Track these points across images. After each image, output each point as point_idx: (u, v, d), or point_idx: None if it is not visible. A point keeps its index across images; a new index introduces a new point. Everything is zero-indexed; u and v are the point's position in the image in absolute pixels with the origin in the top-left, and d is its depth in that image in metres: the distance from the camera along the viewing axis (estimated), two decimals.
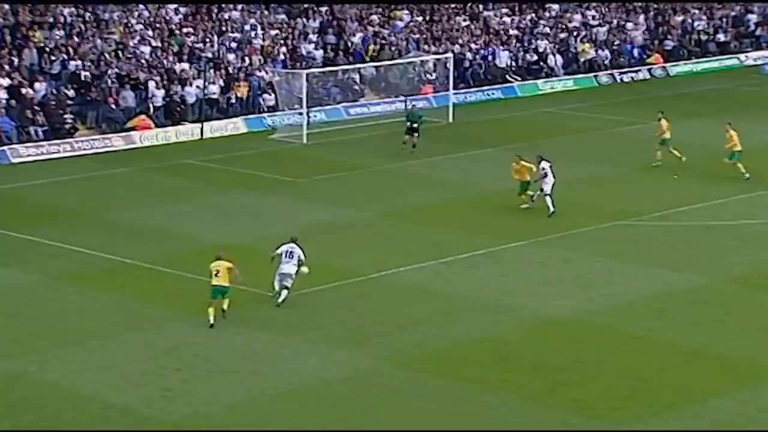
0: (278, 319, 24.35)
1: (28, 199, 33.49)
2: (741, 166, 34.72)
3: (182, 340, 23.17)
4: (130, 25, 45.05)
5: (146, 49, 43.98)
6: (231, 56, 45.25)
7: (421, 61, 46.90)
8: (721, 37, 56.65)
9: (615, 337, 23.59)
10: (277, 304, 24.69)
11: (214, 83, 43.26)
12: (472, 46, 50.13)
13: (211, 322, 23.59)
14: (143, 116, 41.06)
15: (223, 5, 48.25)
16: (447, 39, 50.00)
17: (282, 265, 24.85)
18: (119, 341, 23.10)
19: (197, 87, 42.67)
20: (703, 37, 56.19)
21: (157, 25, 45.65)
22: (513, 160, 32.08)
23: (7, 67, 40.67)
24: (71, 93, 40.84)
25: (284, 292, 24.77)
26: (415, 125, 37.81)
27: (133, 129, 40.61)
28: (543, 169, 31.70)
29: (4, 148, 37.96)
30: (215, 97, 43.16)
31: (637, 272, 27.33)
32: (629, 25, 55.13)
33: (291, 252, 24.98)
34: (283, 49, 46.48)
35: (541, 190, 31.62)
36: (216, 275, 23.95)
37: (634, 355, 22.69)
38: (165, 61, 43.75)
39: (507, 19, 52.98)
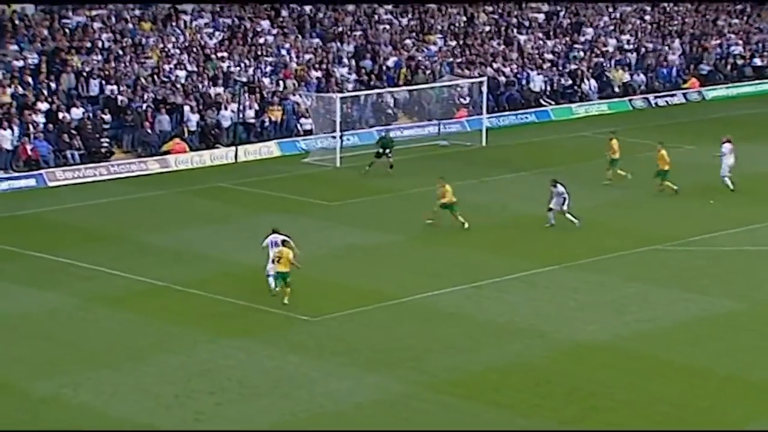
0: (310, 342, 24.37)
1: (64, 223, 33.80)
2: (669, 183, 35.20)
3: (215, 363, 23.22)
4: (166, 49, 45.50)
5: (182, 74, 44.39)
6: (266, 80, 45.56)
7: (455, 85, 46.97)
8: (757, 61, 56.30)
9: (649, 363, 23.38)
10: (272, 294, 26.23)
11: (249, 107, 43.56)
12: (506, 70, 50.15)
13: (285, 301, 25.63)
14: (178, 140, 41.40)
15: (258, 30, 48.63)
16: (481, 63, 50.05)
17: (271, 264, 26.20)
18: (152, 364, 23.20)
19: (232, 111, 42.97)
20: (739, 62, 55.88)
21: (193, 50, 46.07)
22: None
23: (45, 91, 41.19)
24: (107, 117, 41.26)
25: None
26: (387, 150, 38.72)
27: (168, 153, 40.93)
28: (561, 194, 31.96)
29: (42, 171, 38.38)
30: (250, 120, 43.46)
31: (671, 297, 27.10)
32: (665, 50, 54.94)
33: (275, 242, 26.40)
34: (317, 73, 46.75)
35: (550, 209, 32.03)
36: (278, 261, 25.83)
37: (669, 381, 22.47)
38: (200, 86, 44.12)
39: (541, 43, 52.98)
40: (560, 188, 32.08)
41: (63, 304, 26.75)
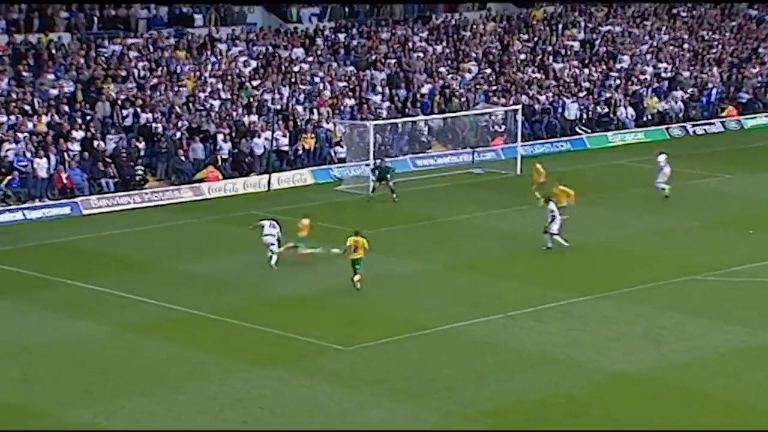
0: (343, 371, 24.39)
1: (98, 250, 34.10)
2: (538, 194, 35.95)
3: (247, 392, 23.29)
4: (201, 77, 45.95)
5: (216, 102, 44.77)
6: (299, 108, 45.86)
7: (490, 112, 47.03)
8: None
9: (687, 395, 23.19)
10: (271, 266, 30.86)
11: (283, 135, 43.82)
12: (541, 97, 50.17)
13: (357, 287, 29.08)
14: (211, 168, 41.70)
15: (292, 58, 49.00)
16: (516, 90, 50.11)
17: (264, 237, 31.10)
18: (185, 392, 23.30)
19: (265, 139, 43.26)
20: None
21: (228, 78, 46.49)
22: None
23: (80, 120, 41.68)
24: (142, 145, 41.67)
25: (274, 257, 31.03)
26: (387, 175, 39.19)
27: (201, 180, 41.24)
28: (552, 211, 32.30)
29: (76, 199, 38.78)
30: (283, 148, 43.71)
31: (710, 328, 26.89)
32: (703, 77, 54.71)
33: (273, 224, 31.40)
34: (351, 101, 46.98)
35: (546, 230, 32.35)
36: (354, 250, 29.17)
37: (708, 414, 22.27)
38: (234, 114, 44.48)
39: (577, 71, 52.95)
40: (551, 206, 32.42)
41: (97, 331, 26.96)
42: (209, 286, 30.26)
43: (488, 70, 51.48)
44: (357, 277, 29.15)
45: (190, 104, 44.15)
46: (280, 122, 44.17)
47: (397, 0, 55.86)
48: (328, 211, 38.30)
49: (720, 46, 57.89)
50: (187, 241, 34.87)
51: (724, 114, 53.20)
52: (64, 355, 25.50)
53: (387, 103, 47.69)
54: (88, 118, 41.98)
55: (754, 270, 31.20)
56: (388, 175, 39.29)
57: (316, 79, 47.92)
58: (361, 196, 40.50)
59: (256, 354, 25.27)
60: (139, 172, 40.97)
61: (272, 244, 31.29)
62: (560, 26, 56.70)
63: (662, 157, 39.01)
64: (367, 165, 41.41)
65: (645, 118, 51.64)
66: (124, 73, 44.82)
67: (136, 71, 45.31)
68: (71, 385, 23.77)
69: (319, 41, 51.03)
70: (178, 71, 46.03)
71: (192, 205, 39.43)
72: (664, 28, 58.61)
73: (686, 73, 54.66)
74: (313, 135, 44.53)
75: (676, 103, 52.57)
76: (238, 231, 35.73)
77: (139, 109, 42.97)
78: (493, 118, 47.14)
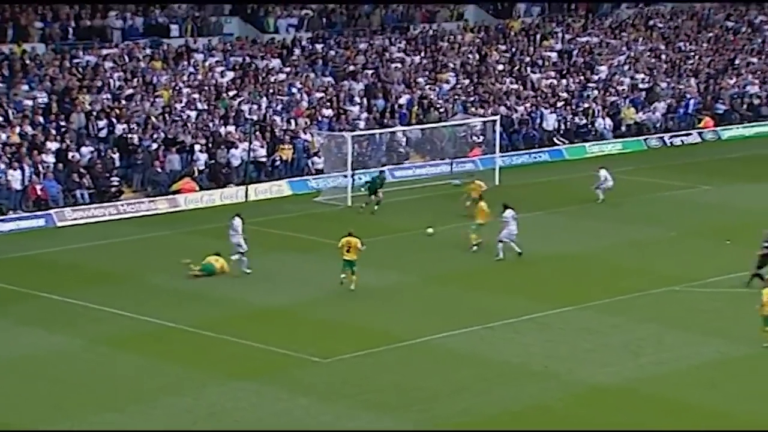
0: (320, 385, 24.24)
1: (72, 263, 33.83)
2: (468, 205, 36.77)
3: (222, 406, 23.10)
4: (177, 88, 45.76)
5: (192, 113, 44.58)
6: (277, 119, 45.74)
7: (468, 123, 47.06)
8: None
9: (666, 407, 23.15)
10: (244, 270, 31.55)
11: (260, 146, 43.67)
12: (520, 108, 50.25)
13: (351, 287, 29.85)
14: (188, 179, 41.51)
15: (269, 68, 48.91)
16: (494, 101, 50.17)
17: (232, 238, 31.78)
18: (158, 406, 23.09)
19: (243, 150, 43.09)
20: (756, 101, 55.86)
21: (204, 89, 46.33)
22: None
23: (54, 131, 41.40)
24: (117, 156, 41.41)
25: (244, 259, 31.56)
26: (378, 189, 39.48)
27: (177, 192, 41.03)
28: (505, 217, 32.86)
29: (51, 211, 38.48)
30: (261, 159, 43.56)
31: (687, 340, 26.91)
32: (680, 88, 54.96)
33: (233, 224, 31.98)
34: (329, 111, 46.91)
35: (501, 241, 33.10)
36: (347, 251, 29.82)
37: (686, 425, 22.26)
38: (211, 124, 44.30)
39: (555, 82, 53.08)
40: (508, 213, 33.10)
41: (70, 345, 26.71)
42: (185, 298, 30.06)
43: (466, 81, 51.53)
44: (353, 277, 29.97)
45: (167, 115, 43.96)
46: (258, 133, 44.04)
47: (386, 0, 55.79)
48: (306, 223, 38.19)
49: (697, 57, 58.19)
50: (162, 254, 34.64)
51: (701, 125, 53.45)
52: (37, 370, 25.23)
53: (365, 114, 47.65)
54: (63, 129, 41.71)
55: (731, 281, 31.26)
56: (378, 188, 39.43)
57: (294, 90, 47.82)
58: (339, 207, 40.39)
59: (232, 367, 25.09)
60: (115, 183, 40.72)
61: (238, 245, 31.89)
62: (538, 37, 56.87)
63: (603, 172, 39.88)
64: (345, 176, 41.33)
65: (623, 129, 51.79)
66: (99, 84, 44.58)
67: (111, 82, 45.08)
68: (43, 400, 23.51)
69: (297, 51, 50.95)
70: (154, 82, 45.82)
71: (168, 217, 39.21)
72: (641, 39, 58.87)
73: (663, 84, 54.88)
74: (290, 146, 44.43)
75: (654, 113, 52.72)
76: (215, 243, 35.53)
77: (114, 120, 42.74)
78: (471, 128, 47.17)
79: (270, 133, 44.59)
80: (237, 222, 32.31)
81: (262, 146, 43.83)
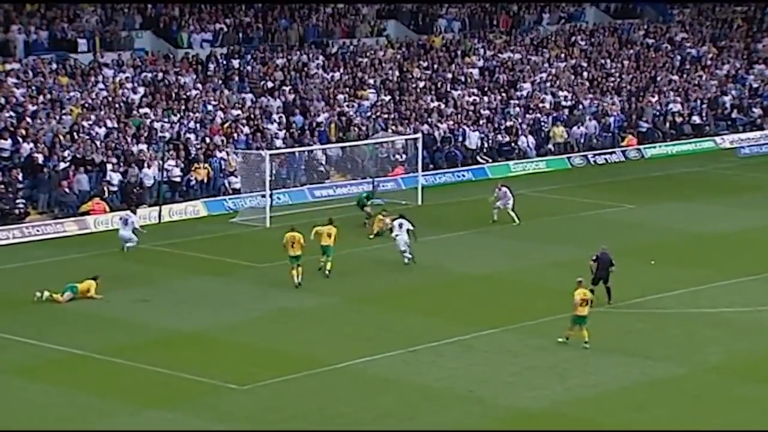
0: (239, 412, 24.04)
1: None
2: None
3: None
4: (87, 105, 45.17)
5: (101, 131, 44.03)
6: (191, 137, 45.40)
7: (388, 141, 47.25)
8: (696, 119, 57.57)
9: (592, 429, 23.43)
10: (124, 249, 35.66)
11: (175, 165, 43.28)
12: (442, 126, 50.63)
13: (297, 281, 32.12)
14: (97, 199, 40.94)
15: (182, 84, 48.60)
16: (416, 119, 50.49)
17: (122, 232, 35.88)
18: None
19: (156, 169, 42.67)
20: (678, 119, 57.10)
21: (116, 105, 45.81)
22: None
23: None
24: (20, 176, 40.66)
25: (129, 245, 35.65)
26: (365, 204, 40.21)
27: (87, 213, 40.45)
28: (396, 231, 34.79)
29: None
30: (175, 179, 43.17)
31: (613, 362, 27.30)
32: (603, 107, 55.93)
33: (125, 219, 36.31)
34: (246, 129, 46.72)
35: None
36: (292, 246, 32.04)
37: None
38: (122, 142, 43.79)
39: (477, 99, 53.62)
40: (399, 221, 35.08)
41: None
42: (95, 324, 29.61)
43: (387, 98, 51.79)
44: (327, 264, 32.88)
45: (75, 133, 43.33)
46: (172, 151, 43.65)
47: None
48: (223, 245, 37.94)
49: (619, 75, 59.31)
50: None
51: (624, 143, 54.44)
52: None
53: (283, 132, 47.56)
54: None
55: (656, 301, 31.82)
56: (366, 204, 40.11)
57: (209, 107, 47.56)
58: (257, 227, 40.18)
59: (145, 395, 24.76)
60: (20, 204, 39.97)
61: (128, 240, 35.96)
62: (459, 53, 57.44)
63: (503, 190, 40.64)
64: (263, 196, 41.17)
65: (551, 147, 52.36)
66: (2, 101, 43.78)
67: (14, 99, 44.30)
68: None
69: (212, 67, 50.70)
70: (61, 98, 45.17)
71: (77, 240, 38.62)
72: (562, 55, 59.82)
73: (586, 102, 55.79)
74: (206, 165, 44.11)
75: (579, 129, 53.33)
76: (125, 265, 35.11)
77: (20, 139, 41.97)
78: (393, 147, 47.37)
79: (185, 152, 44.24)
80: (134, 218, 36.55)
81: (176, 165, 43.45)
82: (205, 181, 43.88)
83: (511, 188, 41.02)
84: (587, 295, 28.34)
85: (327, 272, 33.18)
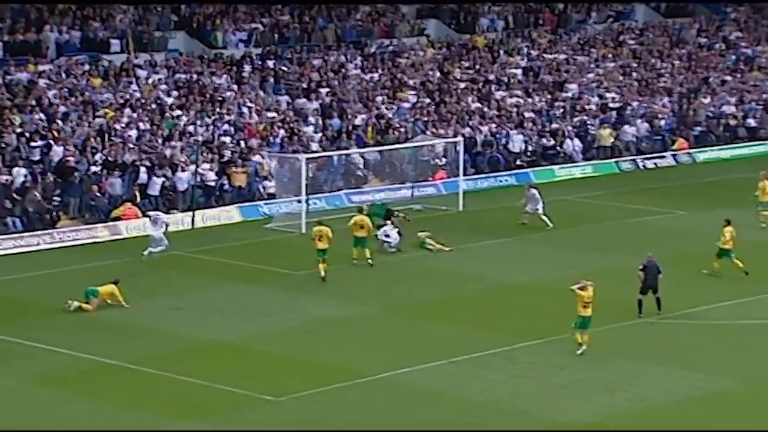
0: (272, 425, 24.10)
1: (3, 296, 33.38)
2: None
3: None
4: (118, 107, 45.52)
5: (133, 133, 44.35)
6: (226, 140, 45.60)
7: (428, 144, 47.20)
8: (751, 121, 57.02)
9: None
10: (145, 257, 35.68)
11: (209, 169, 43.47)
12: (484, 129, 50.51)
13: (322, 275, 33.37)
14: (129, 204, 41.20)
15: (217, 86, 48.86)
16: (456, 121, 50.41)
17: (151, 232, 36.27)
18: None
19: (190, 173, 42.88)
20: (732, 122, 56.57)
21: (148, 107, 46.14)
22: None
23: None
24: (52, 180, 41.03)
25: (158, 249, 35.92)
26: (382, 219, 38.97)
27: (118, 218, 40.74)
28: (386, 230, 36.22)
29: None
30: (209, 183, 43.37)
31: (664, 374, 27.10)
32: (652, 109, 55.55)
33: (155, 219, 36.46)
34: (281, 131, 46.86)
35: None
36: (319, 239, 33.20)
37: None
38: (155, 145, 44.08)
39: (521, 101, 53.45)
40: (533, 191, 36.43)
41: (2, 386, 26.32)
42: (127, 333, 29.81)
43: (427, 100, 51.76)
44: (323, 267, 33.42)
45: (107, 135, 43.68)
46: (206, 155, 43.88)
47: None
48: (257, 251, 38.08)
49: (670, 75, 58.89)
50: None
51: (675, 147, 54.02)
52: None
53: (319, 135, 47.67)
54: None
55: (706, 312, 31.57)
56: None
57: (244, 109, 47.77)
58: (293, 234, 40.28)
59: (178, 407, 24.89)
60: (50, 209, 40.31)
61: (159, 242, 36.26)
62: (502, 53, 57.30)
63: (534, 192, 40.73)
64: (298, 201, 41.27)
65: (596, 150, 52.00)
66: (33, 103, 44.22)
67: (46, 100, 44.75)
68: None
69: (247, 68, 50.94)
70: (93, 100, 45.54)
71: (108, 246, 38.91)
72: (610, 55, 59.51)
73: (635, 104, 55.43)
74: (243, 169, 44.18)
75: (627, 132, 52.97)
76: (159, 273, 35.32)
77: (52, 142, 42.37)
78: (433, 150, 47.32)
79: (218, 156, 44.45)
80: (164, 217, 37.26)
81: (210, 169, 43.66)
82: (243, 185, 44.01)
83: (540, 191, 40.85)
84: (591, 298, 28.17)
85: (369, 261, 34.90)
